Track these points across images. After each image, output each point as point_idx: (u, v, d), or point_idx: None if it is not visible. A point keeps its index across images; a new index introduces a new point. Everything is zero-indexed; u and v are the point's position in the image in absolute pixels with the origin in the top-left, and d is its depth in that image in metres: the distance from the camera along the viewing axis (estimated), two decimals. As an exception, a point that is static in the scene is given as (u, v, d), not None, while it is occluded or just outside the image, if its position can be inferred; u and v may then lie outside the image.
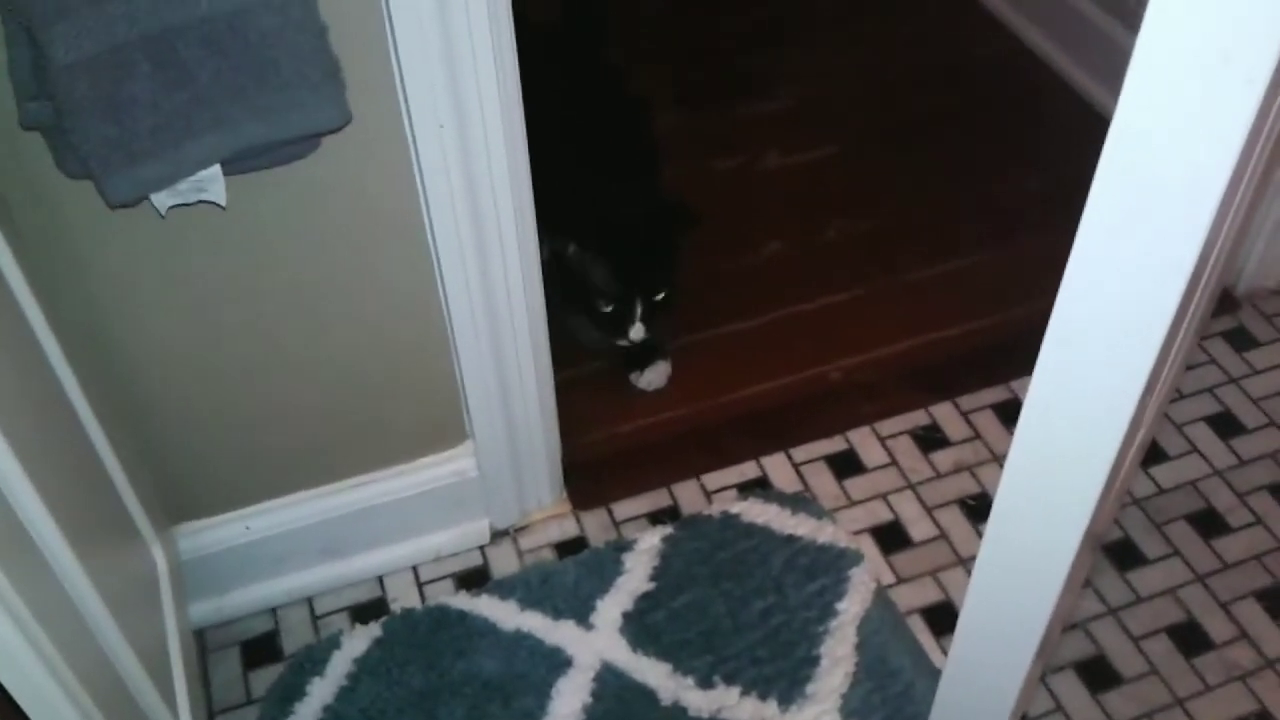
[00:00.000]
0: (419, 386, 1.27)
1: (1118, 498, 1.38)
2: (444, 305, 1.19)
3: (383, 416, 1.28)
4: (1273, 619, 1.37)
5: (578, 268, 1.53)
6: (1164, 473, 1.52)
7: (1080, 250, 0.67)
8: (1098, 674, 1.33)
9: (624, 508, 1.49)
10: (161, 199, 0.93)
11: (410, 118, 1.02)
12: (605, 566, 1.39)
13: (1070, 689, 1.32)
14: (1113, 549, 1.44)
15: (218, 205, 0.96)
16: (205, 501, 1.28)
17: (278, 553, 1.33)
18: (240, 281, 1.10)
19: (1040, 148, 1.93)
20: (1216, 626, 1.37)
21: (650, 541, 1.42)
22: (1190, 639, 1.36)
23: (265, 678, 1.32)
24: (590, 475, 1.51)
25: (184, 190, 0.92)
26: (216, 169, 0.92)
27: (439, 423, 1.32)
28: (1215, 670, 1.33)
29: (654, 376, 1.61)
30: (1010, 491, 0.85)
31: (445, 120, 1.02)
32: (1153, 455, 1.53)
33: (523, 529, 1.47)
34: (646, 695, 1.28)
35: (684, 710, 1.26)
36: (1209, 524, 1.47)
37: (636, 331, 1.53)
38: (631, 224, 1.55)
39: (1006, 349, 1.64)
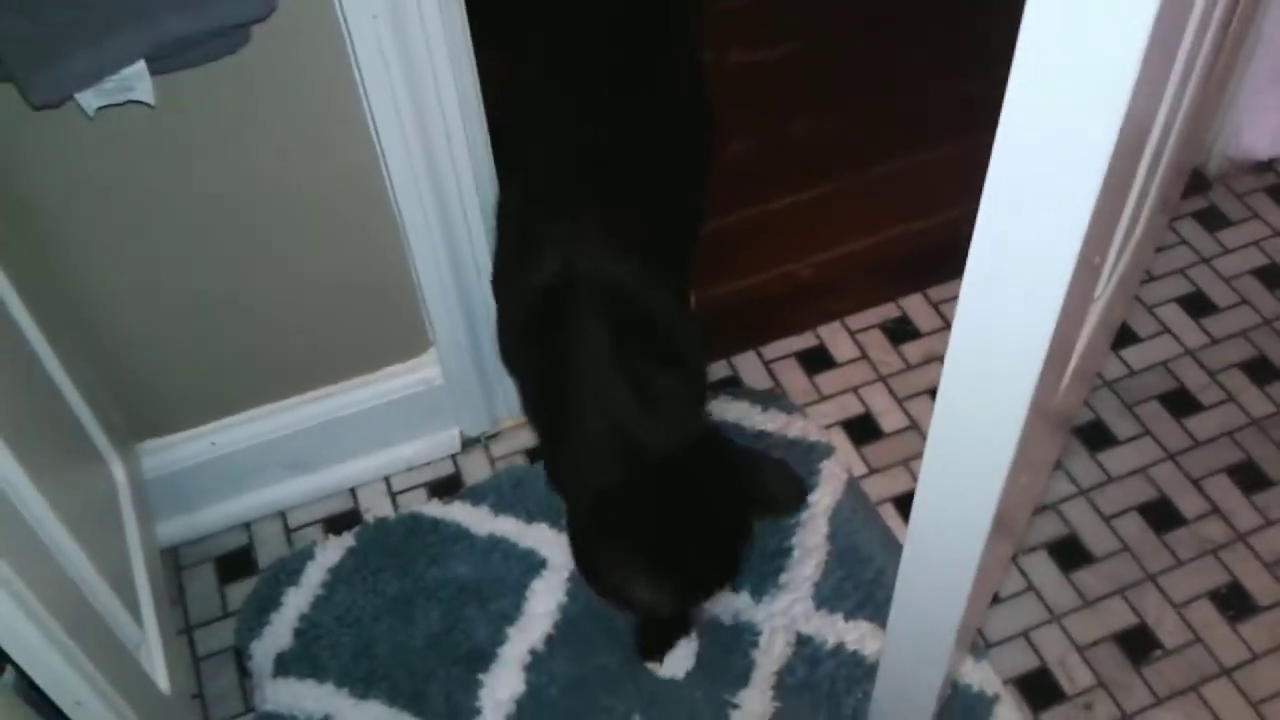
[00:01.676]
0: (375, 291, 1.25)
1: (1084, 380, 1.37)
2: (393, 203, 1.17)
3: (341, 325, 1.27)
4: (1244, 493, 1.38)
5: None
6: (1135, 354, 1.51)
7: (1008, 124, 0.65)
8: (1069, 553, 1.33)
9: (595, 412, 1.49)
10: (88, 100, 0.90)
11: (342, 7, 0.99)
12: (576, 469, 1.39)
13: (1042, 569, 1.32)
14: (1084, 431, 1.44)
15: (147, 105, 0.93)
16: (167, 418, 1.28)
17: (245, 467, 1.33)
18: (178, 185, 1.07)
19: (1009, 39, 1.89)
20: (1188, 503, 1.37)
21: (621, 443, 1.41)
22: (1162, 516, 1.36)
23: (241, 591, 1.32)
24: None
25: (110, 90, 0.90)
26: (141, 66, 0.89)
27: (400, 329, 1.31)
28: (1187, 545, 1.34)
29: (678, 662, 1.24)
30: (955, 365, 0.84)
31: (379, 11, 0.99)
32: (1124, 338, 1.53)
33: (494, 436, 1.46)
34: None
35: (657, 605, 1.27)
36: (1180, 403, 1.47)
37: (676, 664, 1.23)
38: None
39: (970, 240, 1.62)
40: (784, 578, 1.29)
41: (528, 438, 1.46)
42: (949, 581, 0.98)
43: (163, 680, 1.06)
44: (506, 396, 1.44)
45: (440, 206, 1.17)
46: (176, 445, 1.29)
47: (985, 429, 0.84)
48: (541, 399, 1.22)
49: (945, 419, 0.87)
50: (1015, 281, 0.75)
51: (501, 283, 1.26)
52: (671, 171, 1.27)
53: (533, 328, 1.17)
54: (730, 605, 1.27)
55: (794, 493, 1.24)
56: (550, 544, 1.32)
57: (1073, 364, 1.07)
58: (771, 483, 1.21)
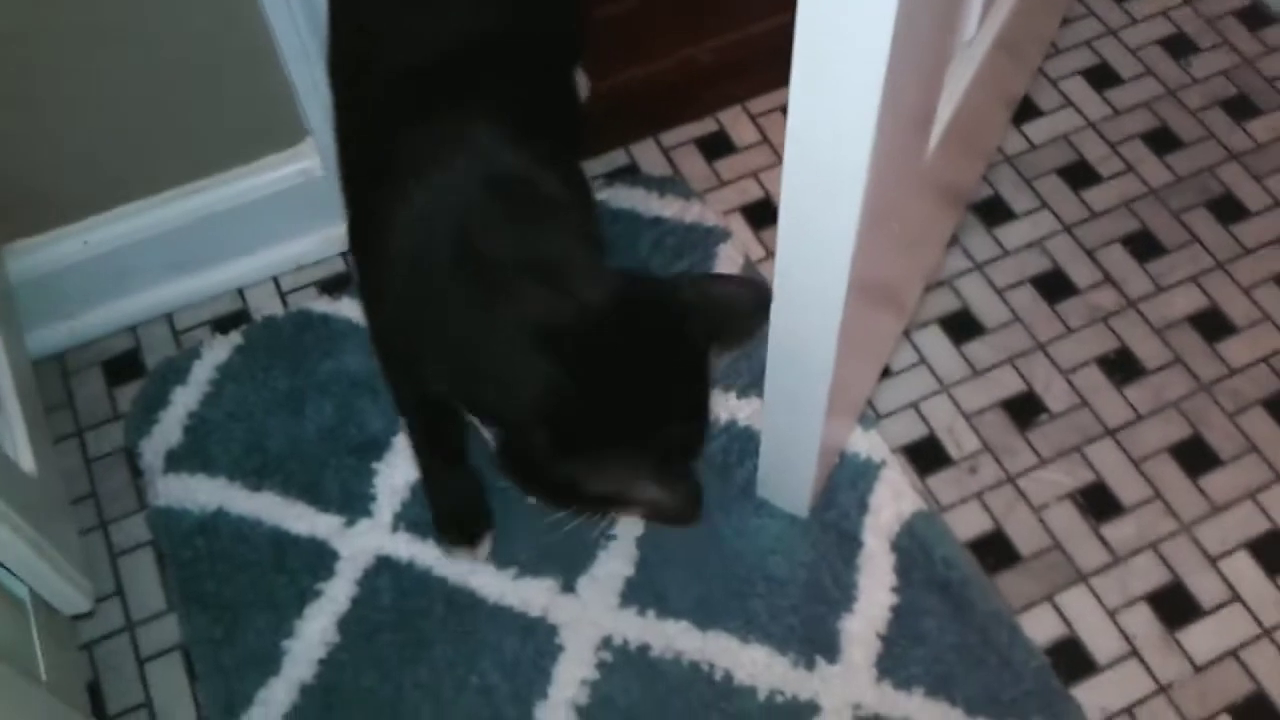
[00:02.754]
0: (239, 71, 1.19)
1: (977, 152, 1.35)
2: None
3: (209, 111, 1.21)
4: (1138, 262, 1.39)
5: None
6: (1036, 128, 1.49)
7: None
8: (961, 326, 1.34)
9: (489, 204, 1.45)
10: None
11: None
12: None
13: (934, 342, 1.33)
14: (981, 207, 1.43)
15: None
16: (32, 217, 1.23)
17: (124, 268, 1.29)
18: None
19: None
20: (1081, 273, 1.38)
21: (514, 233, 1.38)
22: (1054, 286, 1.37)
23: (130, 394, 1.30)
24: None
25: None
26: None
27: (271, 116, 1.25)
28: (1078, 313, 1.35)
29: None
30: (798, 115, 0.81)
31: None
32: (1026, 112, 1.50)
33: (385, 232, 1.43)
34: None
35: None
36: (1079, 175, 1.45)
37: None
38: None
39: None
40: (677, 359, 1.29)
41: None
42: (814, 348, 0.97)
43: (26, 461, 1.06)
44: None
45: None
46: (46, 246, 1.24)
47: (831, 184, 0.83)
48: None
49: (794, 173, 0.85)
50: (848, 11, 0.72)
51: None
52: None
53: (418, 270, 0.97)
54: (623, 387, 1.27)
55: (753, 301, 1.00)
56: (443, 336, 1.31)
57: (941, 125, 1.05)
58: (726, 303, 1.00)
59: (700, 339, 0.98)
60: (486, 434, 1.03)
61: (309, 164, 1.30)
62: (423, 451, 1.20)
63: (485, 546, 1.17)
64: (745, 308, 1.00)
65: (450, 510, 1.19)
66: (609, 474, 0.95)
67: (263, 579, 1.16)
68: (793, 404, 1.05)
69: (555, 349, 0.92)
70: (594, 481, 0.96)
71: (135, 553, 1.22)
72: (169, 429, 1.25)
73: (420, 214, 0.97)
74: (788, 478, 1.16)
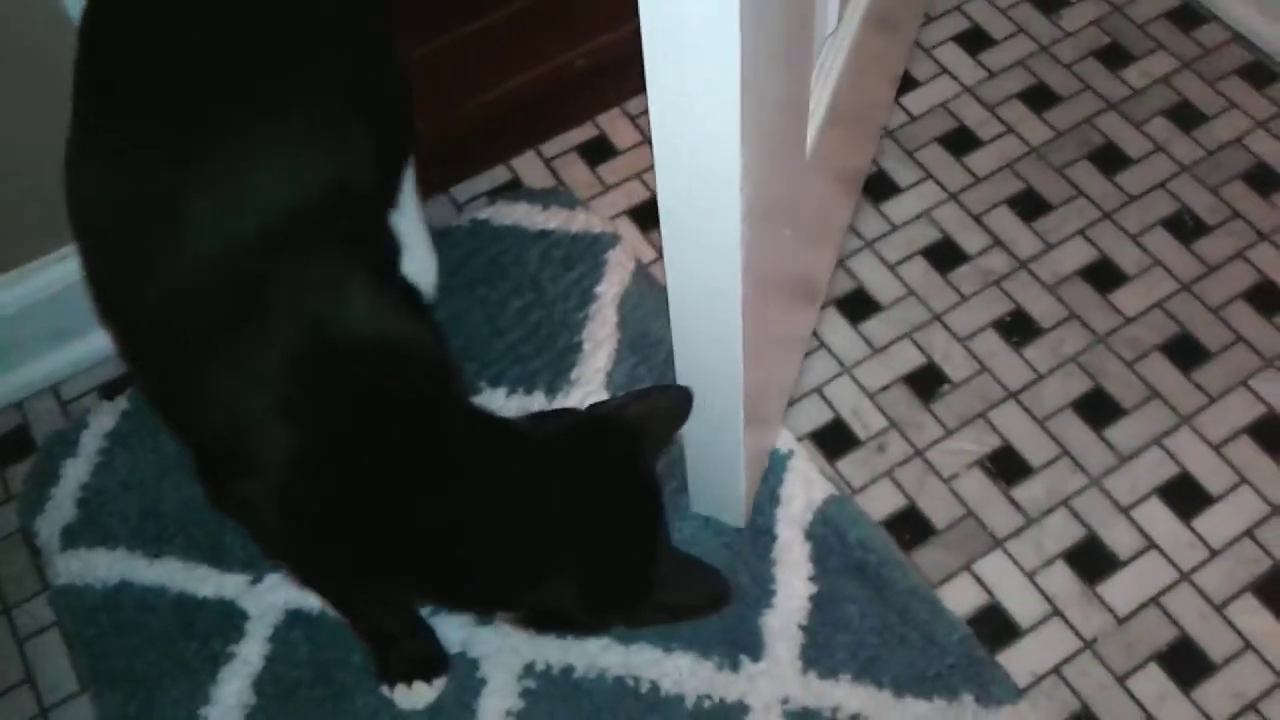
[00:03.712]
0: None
1: (864, 133, 1.35)
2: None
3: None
4: (1024, 222, 1.39)
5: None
6: (915, 99, 1.49)
7: None
8: (857, 306, 1.34)
9: (374, 236, 1.43)
10: None
11: None
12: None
13: (832, 324, 1.33)
14: (867, 184, 1.43)
15: None
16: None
17: (7, 341, 1.26)
18: None
19: None
20: (970, 239, 1.38)
21: (399, 263, 1.36)
22: (945, 256, 1.37)
23: (22, 472, 1.27)
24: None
25: None
26: None
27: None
28: (971, 280, 1.35)
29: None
30: (658, 89, 0.79)
31: None
32: (903, 84, 1.50)
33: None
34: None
35: (451, 418, 1.25)
36: (960, 142, 1.45)
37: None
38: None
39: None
40: (576, 373, 1.27)
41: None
42: (720, 357, 0.96)
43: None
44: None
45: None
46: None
47: (706, 188, 0.81)
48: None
49: (668, 184, 0.83)
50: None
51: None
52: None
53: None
54: (525, 408, 1.25)
55: (675, 400, 1.00)
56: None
57: (819, 116, 1.04)
58: (653, 415, 0.98)
59: (651, 460, 0.97)
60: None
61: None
62: (361, 620, 1.10)
63: (441, 683, 1.11)
64: (670, 410, 0.99)
65: (399, 654, 1.10)
66: (647, 616, 0.98)
67: (173, 648, 1.13)
68: (708, 415, 1.02)
69: (564, 524, 0.91)
70: (634, 621, 1.02)
71: (42, 635, 1.19)
72: (62, 504, 1.21)
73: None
74: (718, 490, 1.14)
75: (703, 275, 0.89)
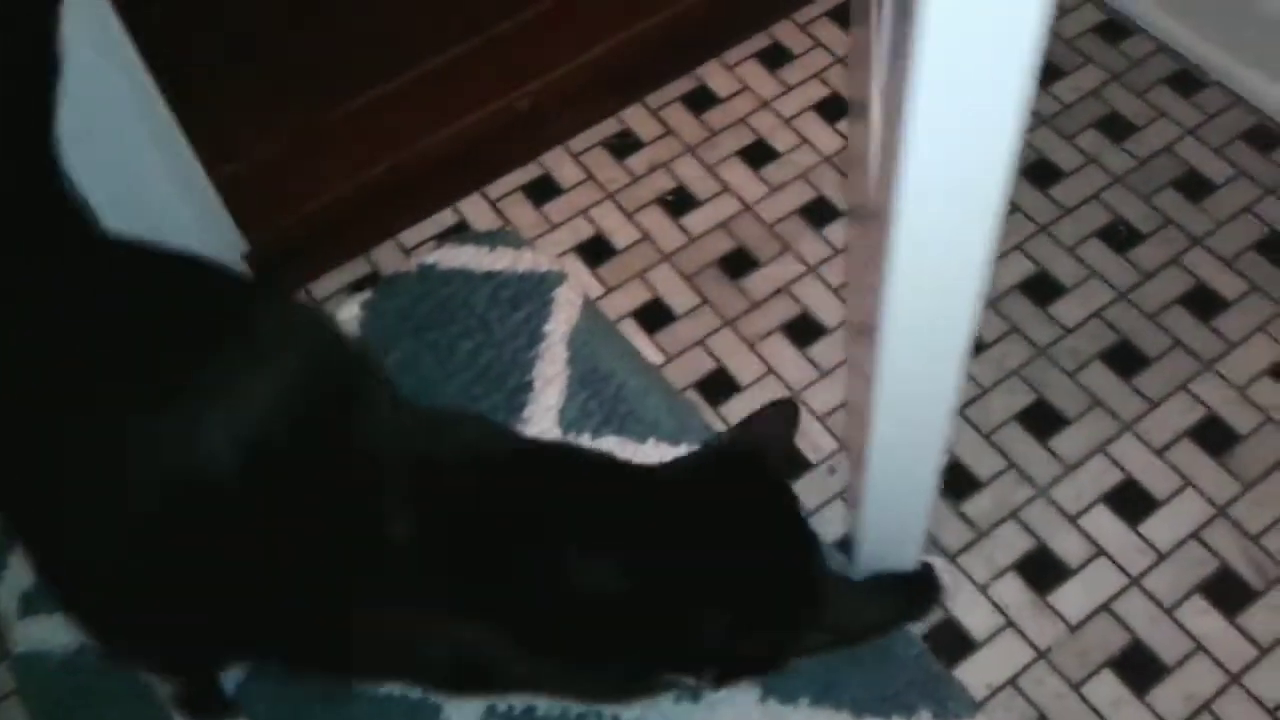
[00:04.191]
0: None
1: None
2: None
3: None
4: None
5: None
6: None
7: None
8: (802, 330, 1.36)
9: (324, 285, 1.44)
10: None
11: None
12: (306, 347, 1.35)
13: (779, 350, 1.34)
14: (809, 209, 1.45)
15: None
16: None
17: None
18: None
19: None
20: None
21: (349, 312, 1.37)
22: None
23: (-22, 541, 1.27)
24: (283, 261, 1.45)
25: None
26: None
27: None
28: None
29: None
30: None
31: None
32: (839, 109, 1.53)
33: (222, 331, 1.41)
34: (366, 459, 1.27)
35: (405, 464, 1.26)
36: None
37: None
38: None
39: (687, 37, 1.59)
40: (527, 411, 1.29)
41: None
42: (929, 413, 0.94)
43: None
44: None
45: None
46: None
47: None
48: None
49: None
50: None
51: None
52: None
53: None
54: (477, 449, 1.26)
55: (784, 416, 1.13)
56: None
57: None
58: (770, 434, 1.10)
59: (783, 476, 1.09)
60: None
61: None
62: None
63: None
64: (780, 428, 1.12)
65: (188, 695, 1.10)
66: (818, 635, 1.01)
67: (134, 708, 1.13)
68: (904, 475, 1.01)
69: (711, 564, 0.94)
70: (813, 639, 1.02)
71: (3, 704, 1.19)
72: (20, 572, 1.21)
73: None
74: (891, 550, 1.13)
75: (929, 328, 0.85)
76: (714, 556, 0.94)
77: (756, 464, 1.02)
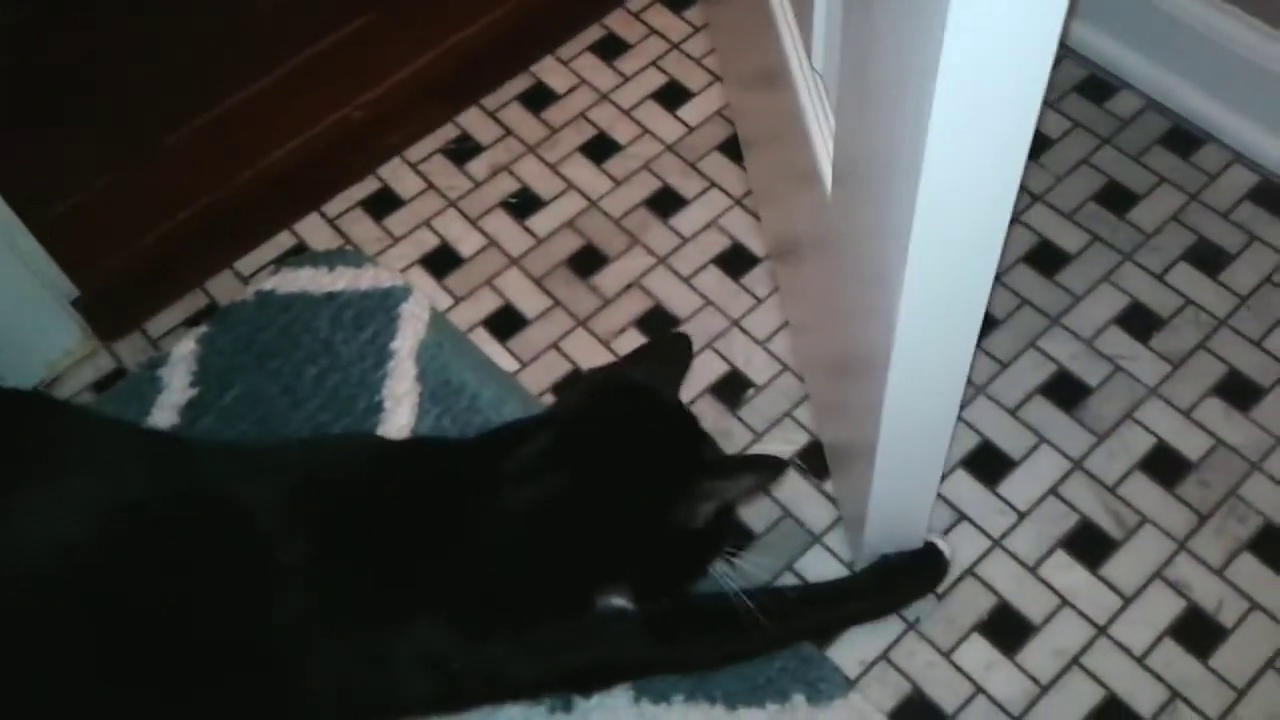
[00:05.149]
0: None
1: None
2: None
3: None
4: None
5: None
6: (690, 110, 1.51)
7: None
8: (652, 322, 1.34)
9: (160, 322, 1.38)
10: None
11: None
12: (141, 390, 1.29)
13: (631, 346, 1.33)
14: (652, 201, 1.43)
15: None
16: None
17: None
18: None
19: None
20: (756, 241, 1.39)
21: (186, 348, 1.32)
22: (736, 262, 1.38)
23: None
24: (115, 301, 1.38)
25: None
26: None
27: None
28: (763, 282, 1.37)
29: None
30: None
31: None
32: (678, 97, 1.52)
33: (53, 382, 1.34)
34: (212, 500, 1.22)
35: (253, 500, 1.21)
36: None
37: None
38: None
39: (521, 35, 1.56)
40: (380, 432, 1.25)
41: (91, 373, 1.34)
42: (939, 400, 0.94)
43: None
44: (52, 337, 1.32)
45: None
46: None
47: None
48: None
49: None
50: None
51: None
52: None
53: None
54: (328, 477, 1.22)
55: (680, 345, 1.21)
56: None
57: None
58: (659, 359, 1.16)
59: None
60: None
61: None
62: None
63: None
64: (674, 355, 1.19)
65: None
66: (709, 496, 1.03)
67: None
68: (914, 457, 1.01)
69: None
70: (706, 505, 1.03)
71: None
72: None
73: None
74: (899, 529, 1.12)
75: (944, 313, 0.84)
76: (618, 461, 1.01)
77: (638, 389, 1.08)
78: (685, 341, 1.21)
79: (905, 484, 1.04)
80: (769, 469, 1.09)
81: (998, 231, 0.78)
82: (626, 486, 1.00)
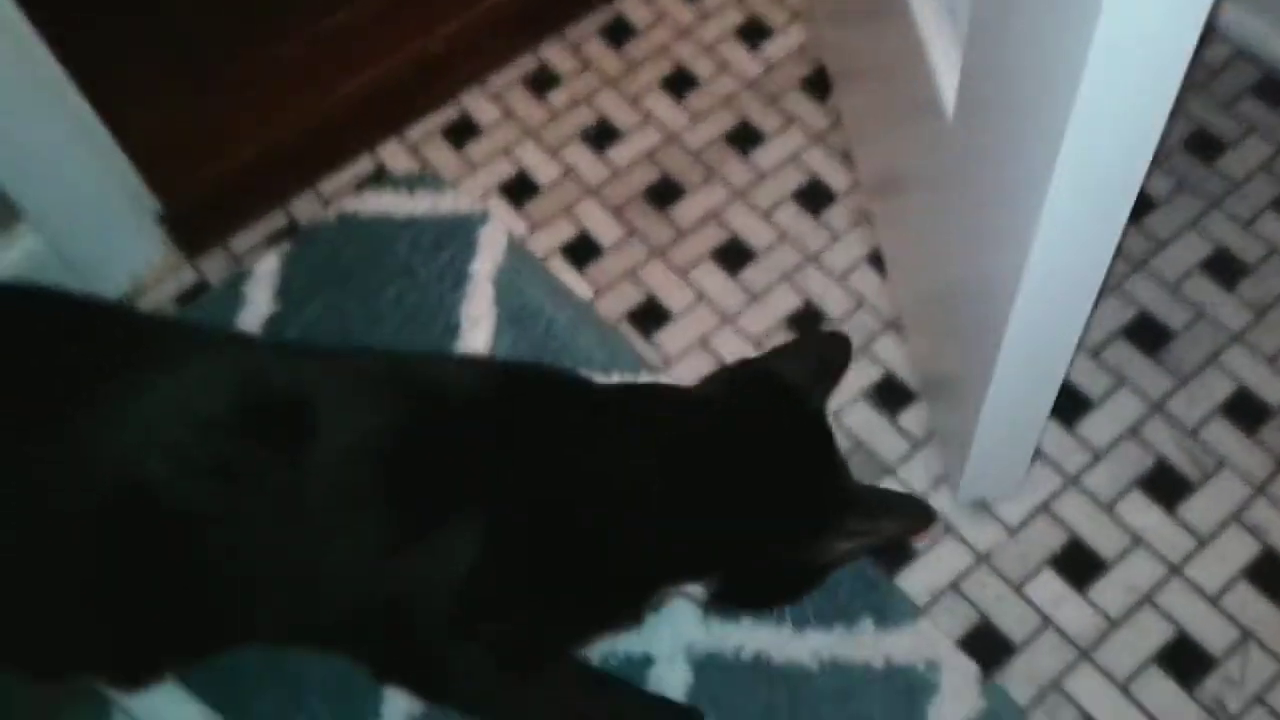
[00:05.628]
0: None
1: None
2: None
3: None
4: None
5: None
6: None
7: None
8: (733, 256, 1.35)
9: (243, 240, 1.41)
10: None
11: None
12: (226, 303, 1.31)
13: (709, 277, 1.33)
14: (733, 135, 1.43)
15: None
16: None
17: None
18: None
19: None
20: (836, 178, 1.39)
21: (269, 265, 1.34)
22: (817, 197, 1.38)
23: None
24: (199, 218, 1.41)
25: None
26: None
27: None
28: (842, 219, 1.36)
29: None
30: None
31: None
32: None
33: (137, 295, 1.37)
34: (292, 411, 1.24)
35: (333, 412, 1.23)
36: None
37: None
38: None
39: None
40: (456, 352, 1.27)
41: (173, 287, 1.36)
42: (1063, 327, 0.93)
43: None
44: (137, 248, 1.35)
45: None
46: None
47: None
48: None
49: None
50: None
51: None
52: None
53: None
54: (406, 393, 1.24)
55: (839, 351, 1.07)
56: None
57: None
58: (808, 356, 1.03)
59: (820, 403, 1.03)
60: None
61: (32, 244, 1.24)
62: None
63: None
64: (832, 357, 1.06)
65: None
66: (845, 543, 0.96)
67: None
68: (1024, 391, 1.00)
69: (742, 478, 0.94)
70: (842, 545, 0.96)
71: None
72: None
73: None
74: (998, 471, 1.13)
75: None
76: (737, 472, 0.93)
77: (791, 390, 0.98)
78: (844, 343, 1.07)
79: (1017, 412, 1.03)
80: (918, 518, 1.00)
81: (1144, 155, 0.77)
82: (757, 500, 0.93)
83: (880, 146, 1.29)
